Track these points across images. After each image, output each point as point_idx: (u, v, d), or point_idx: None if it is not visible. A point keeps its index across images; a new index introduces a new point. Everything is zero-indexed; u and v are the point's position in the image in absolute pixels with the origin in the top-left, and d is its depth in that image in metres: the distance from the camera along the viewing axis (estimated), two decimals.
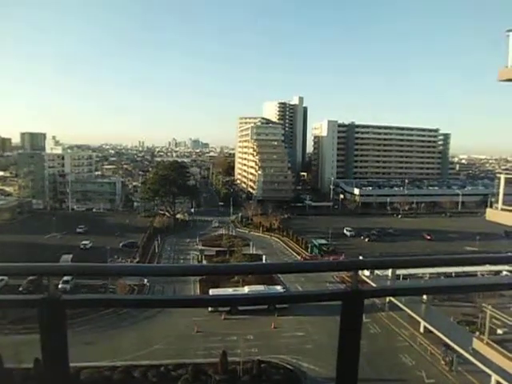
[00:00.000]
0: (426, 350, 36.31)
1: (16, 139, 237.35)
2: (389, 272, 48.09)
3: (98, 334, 37.17)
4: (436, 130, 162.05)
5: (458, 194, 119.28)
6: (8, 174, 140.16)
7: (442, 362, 34.09)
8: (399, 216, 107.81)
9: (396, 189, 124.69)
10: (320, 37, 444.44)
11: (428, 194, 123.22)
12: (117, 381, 30.67)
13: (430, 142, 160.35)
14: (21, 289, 43.98)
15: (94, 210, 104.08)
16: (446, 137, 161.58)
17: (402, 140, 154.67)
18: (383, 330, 40.59)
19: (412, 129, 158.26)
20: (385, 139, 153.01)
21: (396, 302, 41.84)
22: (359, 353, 1.98)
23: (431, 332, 37.60)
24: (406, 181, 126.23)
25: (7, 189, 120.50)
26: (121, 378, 30.86)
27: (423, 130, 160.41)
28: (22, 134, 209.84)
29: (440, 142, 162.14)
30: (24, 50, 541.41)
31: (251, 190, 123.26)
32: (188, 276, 2.19)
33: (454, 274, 49.05)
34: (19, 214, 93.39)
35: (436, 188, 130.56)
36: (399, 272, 48.00)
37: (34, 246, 62.69)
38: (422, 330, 39.64)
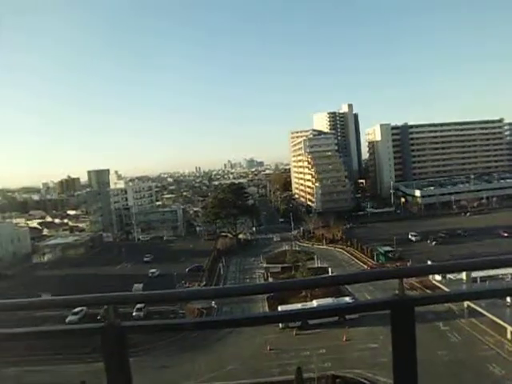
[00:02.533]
0: None
1: (84, 178, 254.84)
2: (463, 275, 45.41)
3: (171, 358, 38.09)
4: (500, 121, 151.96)
5: None
6: (79, 212, 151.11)
7: None
8: (467, 214, 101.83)
9: (461, 185, 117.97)
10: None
11: (499, 187, 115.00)
12: None
13: (494, 133, 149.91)
14: (99, 317, 46.34)
15: (164, 237, 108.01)
16: None
17: (462, 135, 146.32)
18: (464, 338, 38.03)
19: (472, 122, 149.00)
20: (442, 136, 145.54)
21: (475, 306, 39.13)
22: (416, 363, 1.93)
23: None
24: (472, 176, 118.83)
25: (80, 225, 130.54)
26: None
27: (485, 122, 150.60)
28: (89, 172, 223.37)
29: (507, 133, 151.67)
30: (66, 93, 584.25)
31: (310, 203, 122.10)
32: (254, 295, 2.26)
33: None
34: (91, 248, 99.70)
35: (509, 180, 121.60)
36: (475, 274, 45.05)
37: (107, 276, 66.74)
38: (509, 335, 36.62)
